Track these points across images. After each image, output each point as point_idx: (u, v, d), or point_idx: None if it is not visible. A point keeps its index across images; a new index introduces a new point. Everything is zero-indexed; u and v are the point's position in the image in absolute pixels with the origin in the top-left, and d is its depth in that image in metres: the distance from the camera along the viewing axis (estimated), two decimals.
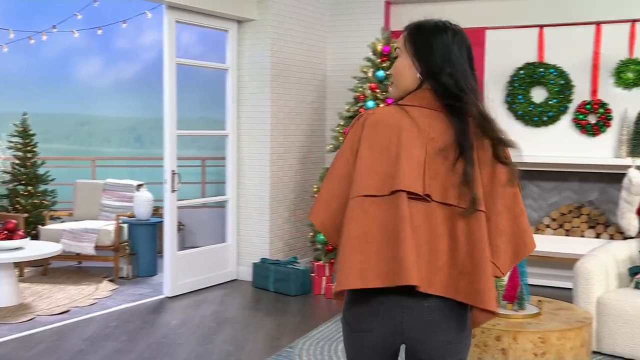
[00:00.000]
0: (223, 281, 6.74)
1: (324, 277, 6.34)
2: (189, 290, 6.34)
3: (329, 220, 2.05)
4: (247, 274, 6.82)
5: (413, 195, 1.95)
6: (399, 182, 1.94)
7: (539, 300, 4.14)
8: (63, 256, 6.87)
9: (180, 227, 8.34)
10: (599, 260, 4.72)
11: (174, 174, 6.07)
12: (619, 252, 4.93)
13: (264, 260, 6.58)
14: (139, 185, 7.58)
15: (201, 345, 4.84)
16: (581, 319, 3.95)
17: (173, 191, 6.09)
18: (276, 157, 6.78)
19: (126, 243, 7.08)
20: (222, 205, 7.28)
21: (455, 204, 1.95)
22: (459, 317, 1.99)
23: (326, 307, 5.93)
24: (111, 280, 6.76)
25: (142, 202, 7.21)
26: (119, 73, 13.87)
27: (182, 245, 8.39)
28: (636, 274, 4.71)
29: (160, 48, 6.08)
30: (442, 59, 2.02)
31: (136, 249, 7.08)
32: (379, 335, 2.00)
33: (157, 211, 7.66)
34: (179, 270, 6.22)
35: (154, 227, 7.22)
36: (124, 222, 7.14)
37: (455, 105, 1.99)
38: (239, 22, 6.73)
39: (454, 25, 2.10)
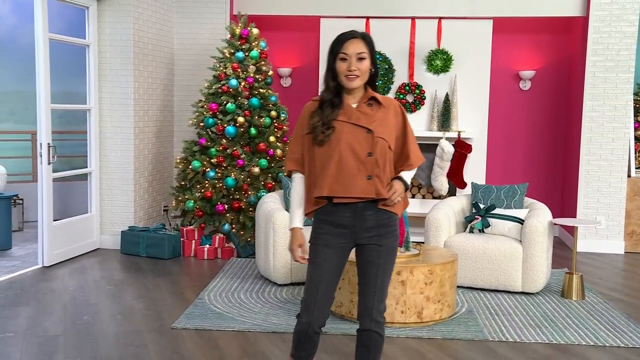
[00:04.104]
0: (87, 250, 6.98)
1: (193, 241, 6.90)
2: (62, 260, 6.53)
3: None
4: (110, 243, 7.13)
5: None
6: None
7: (416, 244, 5.21)
8: None
9: (18, 201, 8.28)
10: (444, 212, 5.95)
11: (49, 146, 6.21)
12: (455, 205, 6.22)
13: (132, 228, 6.95)
14: None
15: (116, 303, 5.23)
16: (450, 255, 5.10)
17: (49, 163, 6.24)
18: (138, 130, 7.14)
19: None
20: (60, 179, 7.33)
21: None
22: None
23: (202, 267, 6.52)
24: None
25: None
26: None
27: (22, 220, 8.34)
28: (471, 221, 6.01)
29: None
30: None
31: None
32: None
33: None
34: (51, 241, 6.39)
35: (8, 201, 7.18)
36: None
37: None
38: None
39: None
